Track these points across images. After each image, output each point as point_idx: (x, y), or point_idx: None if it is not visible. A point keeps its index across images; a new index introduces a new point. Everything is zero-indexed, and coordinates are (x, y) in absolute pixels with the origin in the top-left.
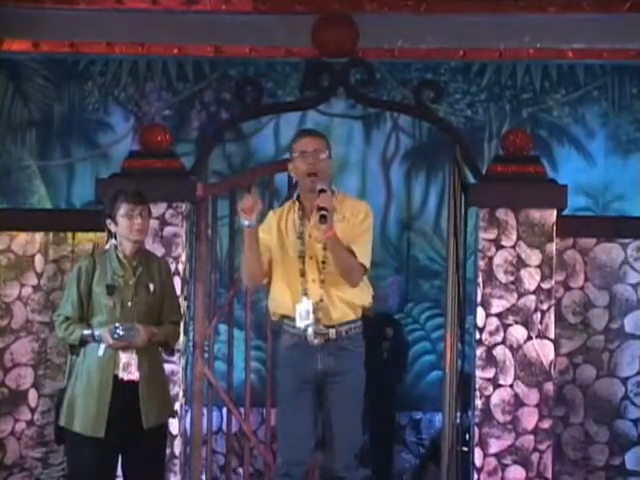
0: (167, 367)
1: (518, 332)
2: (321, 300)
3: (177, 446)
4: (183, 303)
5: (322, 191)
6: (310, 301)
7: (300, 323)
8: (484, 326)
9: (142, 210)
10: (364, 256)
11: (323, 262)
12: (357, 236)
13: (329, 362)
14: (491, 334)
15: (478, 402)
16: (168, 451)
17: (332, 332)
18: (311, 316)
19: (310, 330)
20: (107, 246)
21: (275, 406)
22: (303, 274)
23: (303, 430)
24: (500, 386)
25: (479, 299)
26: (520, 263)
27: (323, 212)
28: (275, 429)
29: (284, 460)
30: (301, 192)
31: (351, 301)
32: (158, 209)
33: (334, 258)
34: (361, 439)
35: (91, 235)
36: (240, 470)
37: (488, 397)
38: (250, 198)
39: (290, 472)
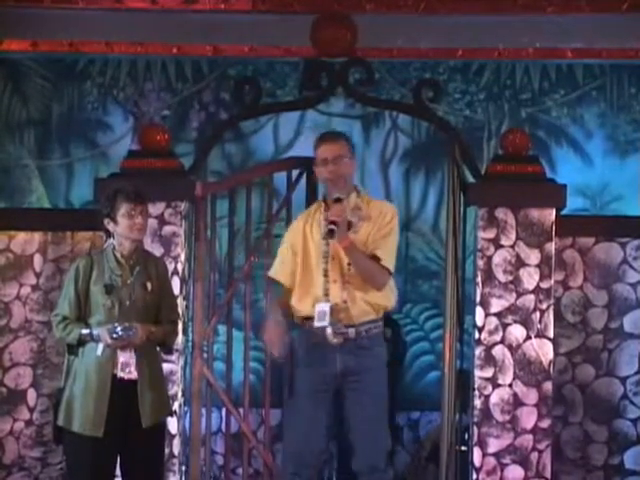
0: (166, 367)
1: (517, 331)
2: (344, 302)
3: (176, 446)
4: (182, 303)
5: (337, 200)
6: (328, 304)
7: (317, 324)
8: (483, 326)
9: (142, 210)
10: (388, 260)
11: (349, 264)
12: (382, 238)
13: (348, 362)
14: (490, 333)
15: (477, 402)
16: (167, 451)
17: (351, 331)
18: (327, 318)
19: (329, 330)
20: (105, 245)
21: (283, 405)
22: (326, 274)
23: (316, 431)
24: (499, 385)
25: (478, 299)
26: (519, 262)
27: (331, 227)
28: (275, 429)
29: (294, 460)
30: (327, 194)
31: (373, 301)
32: (157, 208)
33: (354, 266)
34: (387, 439)
35: (90, 235)
36: (239, 470)
37: (487, 396)
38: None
39: (300, 472)
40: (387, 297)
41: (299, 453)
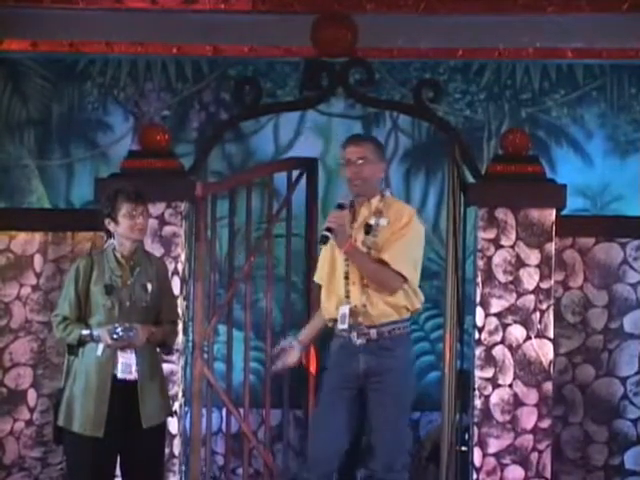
0: (166, 367)
1: (517, 332)
2: (363, 305)
3: (176, 446)
4: (182, 303)
5: (339, 206)
6: (348, 306)
7: (340, 326)
8: (483, 326)
9: (143, 210)
10: (399, 263)
11: None
12: (393, 242)
13: (370, 362)
14: (490, 334)
15: (477, 402)
16: (167, 451)
17: (373, 332)
18: (347, 320)
19: (354, 331)
20: (105, 246)
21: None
22: (347, 277)
23: (334, 430)
24: (499, 386)
25: (478, 299)
26: (519, 263)
27: (324, 233)
28: (275, 429)
29: (311, 457)
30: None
31: (393, 302)
32: (157, 209)
33: (359, 270)
34: (406, 439)
35: (90, 235)
36: (239, 471)
37: (487, 397)
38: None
39: (315, 469)
40: (408, 297)
41: (316, 450)
